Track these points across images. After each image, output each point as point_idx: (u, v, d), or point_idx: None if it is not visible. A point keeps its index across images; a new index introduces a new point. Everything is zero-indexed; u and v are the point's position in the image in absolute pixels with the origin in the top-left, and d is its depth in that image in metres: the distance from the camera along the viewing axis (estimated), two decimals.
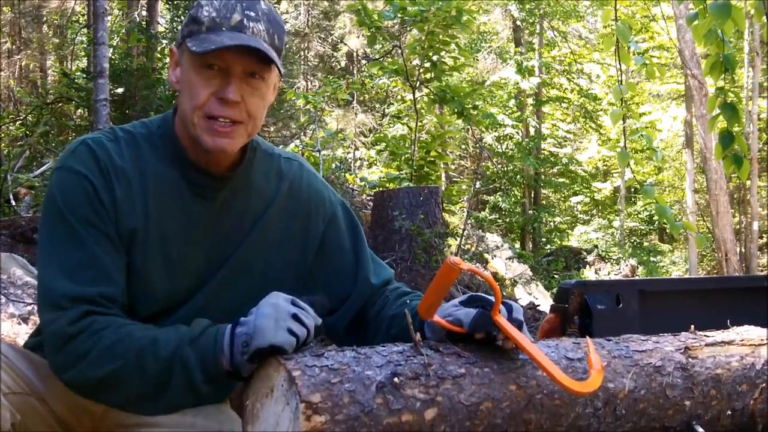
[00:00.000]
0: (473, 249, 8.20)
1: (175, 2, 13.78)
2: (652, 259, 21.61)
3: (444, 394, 1.64)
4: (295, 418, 1.52)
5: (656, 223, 24.42)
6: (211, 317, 1.87)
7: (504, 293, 8.36)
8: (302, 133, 13.74)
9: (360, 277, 2.20)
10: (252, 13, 1.89)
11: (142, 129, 2.04)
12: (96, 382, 1.76)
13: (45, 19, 18.20)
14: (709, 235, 17.46)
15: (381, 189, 8.28)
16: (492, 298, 1.75)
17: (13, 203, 8.64)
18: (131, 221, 1.91)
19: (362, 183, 11.12)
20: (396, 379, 1.61)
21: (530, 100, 22.84)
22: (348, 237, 2.24)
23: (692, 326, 2.13)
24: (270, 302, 1.73)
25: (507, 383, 1.72)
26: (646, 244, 25.07)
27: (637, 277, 17.13)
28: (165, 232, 1.95)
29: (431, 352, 1.71)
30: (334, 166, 11.45)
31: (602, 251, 20.47)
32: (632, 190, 23.98)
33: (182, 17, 13.54)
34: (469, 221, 9.03)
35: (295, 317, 1.69)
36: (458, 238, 7.16)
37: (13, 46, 18.87)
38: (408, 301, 2.12)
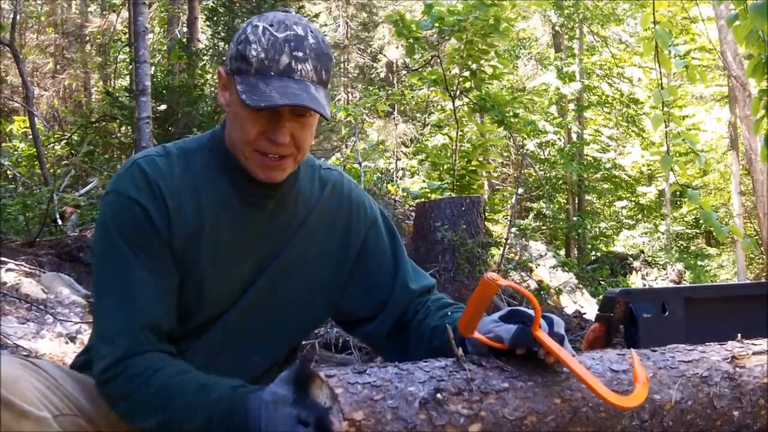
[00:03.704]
0: (517, 258, 8.16)
1: (215, 19, 13.91)
2: (699, 263, 21.34)
3: (488, 409, 1.64)
4: None
5: (702, 226, 24.10)
6: (256, 318, 1.98)
7: (549, 302, 8.30)
8: (344, 146, 13.77)
9: (398, 283, 2.20)
10: (300, 54, 1.89)
11: (192, 143, 2.08)
12: (146, 428, 1.81)
13: (88, 38, 18.46)
14: (757, 238, 17.19)
15: (423, 200, 8.27)
16: (532, 312, 1.73)
17: (60, 222, 8.75)
18: (185, 233, 1.96)
19: (404, 194, 11.12)
20: (439, 395, 1.61)
21: (571, 106, 22.69)
22: (388, 243, 2.26)
23: (738, 335, 2.10)
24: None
25: (551, 396, 1.71)
26: (692, 248, 24.79)
27: (683, 283, 16.94)
28: (217, 240, 2.00)
29: (474, 367, 1.71)
30: (375, 177, 11.46)
31: (648, 256, 20.25)
32: (677, 193, 23.69)
33: (222, 34, 13.65)
34: (512, 230, 8.99)
35: None
36: (501, 248, 7.12)
37: (57, 66, 19.16)
38: (449, 314, 2.10)
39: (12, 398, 1.66)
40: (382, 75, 22.80)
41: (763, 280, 16.01)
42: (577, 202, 22.73)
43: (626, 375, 1.81)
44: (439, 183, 9.79)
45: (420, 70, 10.88)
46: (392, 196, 11.36)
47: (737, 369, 1.95)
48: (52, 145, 12.84)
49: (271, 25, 1.91)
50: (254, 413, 1.66)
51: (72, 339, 5.27)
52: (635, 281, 17.38)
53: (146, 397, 1.78)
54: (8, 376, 1.68)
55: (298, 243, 2.10)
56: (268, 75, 1.87)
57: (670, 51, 4.64)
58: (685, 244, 25.10)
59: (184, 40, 14.15)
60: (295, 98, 1.85)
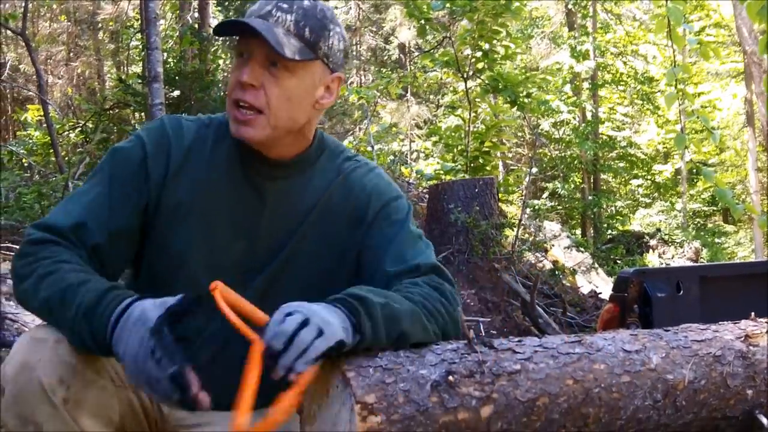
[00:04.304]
0: (531, 239, 8.15)
1: (226, 4, 13.89)
2: (716, 240, 21.26)
3: (499, 391, 1.64)
4: (351, 419, 1.54)
5: (719, 204, 23.96)
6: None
7: (564, 282, 8.29)
8: (357, 129, 13.78)
9: (378, 267, 2.03)
10: (284, 5, 1.94)
11: (220, 116, 2.13)
12: (33, 307, 1.82)
13: (100, 25, 18.47)
14: None
15: (436, 182, 8.26)
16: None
17: None
18: (178, 194, 2.00)
19: (418, 176, 11.11)
20: (451, 378, 1.61)
21: (586, 85, 22.57)
22: (390, 229, 2.10)
23: (752, 314, 2.09)
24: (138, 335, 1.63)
25: (563, 378, 1.71)
26: (709, 225, 24.68)
27: (700, 262, 16.88)
28: (208, 211, 2.01)
29: (485, 349, 1.71)
30: (389, 159, 11.46)
31: (665, 234, 20.17)
32: (694, 171, 23.58)
33: (232, 18, 13.64)
34: (526, 210, 8.97)
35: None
36: (515, 229, 7.11)
37: (70, 54, 19.19)
38: None
39: (83, 366, 1.70)
40: (395, 57, 22.72)
41: None
42: (592, 181, 22.63)
43: (638, 355, 1.82)
44: (453, 164, 9.77)
45: (432, 51, 10.85)
46: (406, 179, 11.36)
47: (750, 348, 1.94)
48: (66, 132, 12.85)
49: None
50: (113, 321, 1.66)
51: None
52: (652, 260, 17.32)
53: (39, 278, 1.78)
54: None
55: (304, 235, 2.07)
56: (249, 18, 1.94)
57: (683, 28, 4.60)
58: (702, 222, 25.00)
59: (196, 25, 14.14)
60: (245, 23, 1.90)
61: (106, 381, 1.76)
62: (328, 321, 1.61)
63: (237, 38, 1.97)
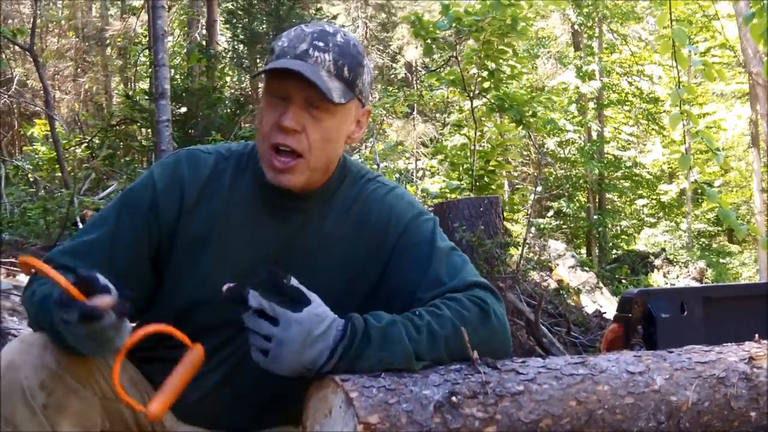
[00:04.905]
0: (536, 258, 8.13)
1: (234, 22, 13.96)
2: (721, 260, 21.21)
3: (503, 412, 1.64)
4: None
5: (724, 224, 23.89)
6: None
7: (570, 301, 8.27)
8: (363, 146, 13.79)
9: (415, 299, 1.92)
10: (320, 44, 1.89)
11: (239, 147, 2.13)
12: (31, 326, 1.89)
13: (108, 41, 18.56)
14: None
15: (441, 201, 8.26)
16: None
17: (80, 226, 8.79)
18: (194, 229, 1.99)
19: (423, 194, 11.11)
20: (454, 398, 1.61)
21: (591, 104, 22.61)
22: (417, 251, 2.01)
23: (756, 335, 2.09)
24: None
25: (567, 399, 1.71)
26: (714, 245, 24.62)
27: (705, 282, 16.84)
28: (227, 242, 1.99)
29: (489, 370, 1.71)
30: (395, 177, 11.47)
31: (670, 254, 20.15)
32: (698, 191, 23.56)
33: (240, 36, 13.71)
34: (531, 229, 8.96)
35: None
36: (520, 248, 7.10)
37: (78, 69, 19.28)
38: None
39: (65, 374, 1.70)
40: (401, 75, 22.78)
41: None
42: (597, 200, 22.66)
43: (642, 377, 1.81)
44: (458, 183, 9.76)
45: (438, 70, 10.86)
46: None
47: (754, 369, 1.94)
48: (72, 148, 12.90)
49: (306, 25, 1.95)
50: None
51: None
52: (657, 279, 17.30)
53: (29, 307, 1.86)
54: (64, 353, 1.71)
55: (320, 263, 2.02)
56: (284, 58, 1.89)
57: (688, 49, 4.61)
58: (707, 242, 24.94)
59: (204, 42, 14.21)
60: (291, 66, 1.85)
61: (90, 392, 1.76)
62: (291, 349, 1.65)
63: (267, 76, 1.92)
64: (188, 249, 1.99)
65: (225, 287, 1.70)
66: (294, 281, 1.72)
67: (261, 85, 2.00)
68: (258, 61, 13.05)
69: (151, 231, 1.98)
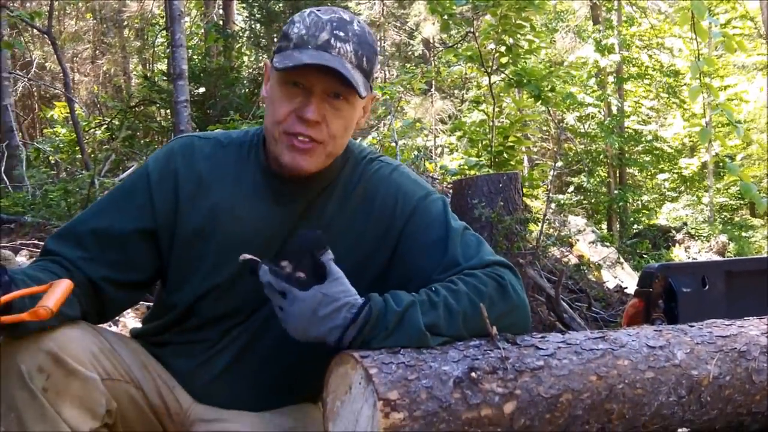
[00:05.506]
0: (556, 234, 8.10)
1: (250, 1, 13.93)
2: (743, 234, 21.05)
3: (522, 387, 1.64)
4: (373, 416, 1.54)
5: (746, 197, 23.68)
6: (278, 325, 1.81)
7: (590, 277, 8.24)
8: (381, 124, 13.76)
9: (431, 280, 1.89)
10: (341, 33, 1.88)
11: (240, 135, 2.11)
12: None
13: (125, 23, 18.59)
14: None
15: (459, 177, 8.23)
16: None
17: None
18: (196, 221, 1.99)
19: (442, 171, 11.08)
20: (473, 374, 1.61)
21: (611, 78, 22.44)
22: (428, 232, 1.99)
23: None
24: None
25: (587, 374, 1.71)
26: (737, 219, 24.44)
27: (727, 256, 16.74)
28: (233, 233, 1.98)
29: (508, 345, 1.71)
30: (413, 155, 11.44)
31: (692, 228, 20.01)
32: (720, 165, 23.37)
33: (257, 15, 13.68)
34: (550, 205, 8.93)
35: None
36: (540, 223, 7.06)
37: (96, 51, 19.32)
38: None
39: (63, 356, 1.70)
40: (419, 52, 22.69)
41: None
42: (618, 175, 22.50)
43: (662, 351, 1.81)
44: (477, 159, 9.73)
45: (455, 46, 10.81)
46: (430, 174, 11.32)
47: None
48: (92, 130, 12.96)
49: (318, 10, 1.92)
50: None
51: (115, 322, 5.32)
52: (678, 254, 17.20)
53: None
54: (64, 335, 1.74)
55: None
56: (305, 48, 1.86)
57: (708, 21, 4.56)
58: (728, 216, 24.75)
59: (220, 22, 14.20)
60: (326, 61, 1.83)
61: (92, 373, 1.76)
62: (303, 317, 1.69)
63: (288, 67, 1.87)
64: (190, 242, 2.00)
65: (241, 257, 1.75)
66: (328, 254, 1.75)
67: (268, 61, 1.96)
68: (275, 39, 13.03)
69: (145, 221, 2.00)
